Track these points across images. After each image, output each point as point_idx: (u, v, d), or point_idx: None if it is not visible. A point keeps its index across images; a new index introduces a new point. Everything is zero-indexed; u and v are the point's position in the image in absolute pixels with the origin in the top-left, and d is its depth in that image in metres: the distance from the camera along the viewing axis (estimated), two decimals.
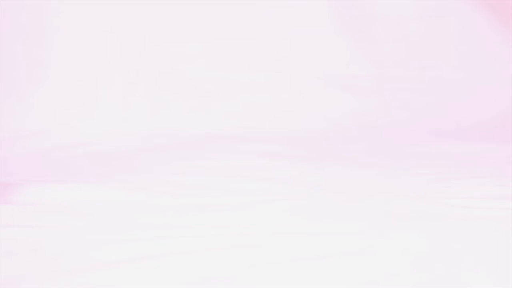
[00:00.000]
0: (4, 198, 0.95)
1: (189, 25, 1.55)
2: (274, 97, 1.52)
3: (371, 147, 1.32)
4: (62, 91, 1.49)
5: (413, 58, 1.58)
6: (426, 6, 1.59)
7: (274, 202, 0.91)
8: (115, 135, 1.40)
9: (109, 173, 1.12)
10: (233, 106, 1.49)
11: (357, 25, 1.58)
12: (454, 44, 1.59)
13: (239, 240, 0.74)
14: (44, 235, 0.78)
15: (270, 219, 0.83)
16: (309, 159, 1.20)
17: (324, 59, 1.56)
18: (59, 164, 1.24)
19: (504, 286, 0.61)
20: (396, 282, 0.63)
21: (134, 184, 1.02)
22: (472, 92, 1.54)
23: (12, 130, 1.41)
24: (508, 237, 0.74)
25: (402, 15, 1.58)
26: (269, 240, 0.75)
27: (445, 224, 0.79)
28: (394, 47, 1.57)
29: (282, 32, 1.57)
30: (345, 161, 1.19)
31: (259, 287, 0.62)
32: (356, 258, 0.69)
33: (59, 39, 1.51)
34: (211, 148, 1.30)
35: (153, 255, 0.71)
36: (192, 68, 1.54)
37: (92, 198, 0.96)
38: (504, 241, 0.73)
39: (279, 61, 1.56)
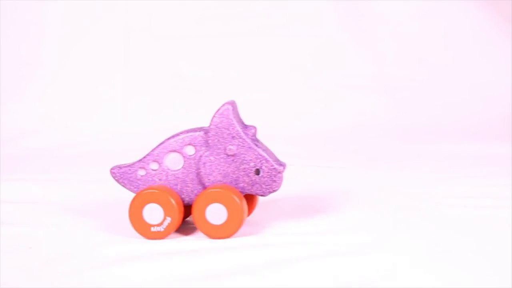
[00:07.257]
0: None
1: (190, 23, 1.56)
2: (276, 96, 1.53)
3: (371, 146, 1.33)
4: (61, 89, 1.49)
5: (413, 57, 1.58)
6: (426, 5, 1.59)
7: None
8: (116, 134, 1.40)
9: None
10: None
11: (359, 25, 1.58)
12: (454, 44, 1.59)
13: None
14: (43, 233, 0.78)
15: None
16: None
17: (326, 59, 1.57)
18: (60, 162, 1.24)
19: (504, 286, 0.61)
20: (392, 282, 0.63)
21: None
22: (470, 91, 1.54)
23: (12, 128, 1.41)
24: (507, 236, 0.74)
25: (404, 15, 1.59)
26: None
27: (442, 223, 0.79)
28: (396, 46, 1.57)
29: (284, 32, 1.57)
30: (344, 160, 1.20)
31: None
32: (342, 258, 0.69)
33: (57, 37, 1.51)
34: None
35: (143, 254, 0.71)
36: (193, 67, 1.54)
37: (93, 197, 0.96)
38: (504, 240, 0.73)
39: (282, 60, 1.56)
